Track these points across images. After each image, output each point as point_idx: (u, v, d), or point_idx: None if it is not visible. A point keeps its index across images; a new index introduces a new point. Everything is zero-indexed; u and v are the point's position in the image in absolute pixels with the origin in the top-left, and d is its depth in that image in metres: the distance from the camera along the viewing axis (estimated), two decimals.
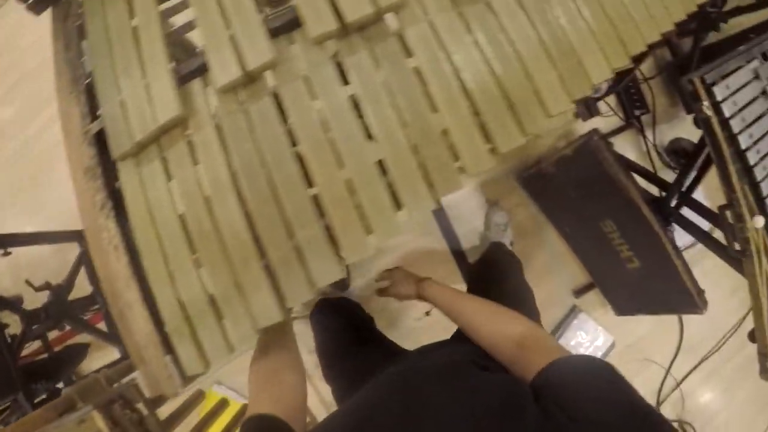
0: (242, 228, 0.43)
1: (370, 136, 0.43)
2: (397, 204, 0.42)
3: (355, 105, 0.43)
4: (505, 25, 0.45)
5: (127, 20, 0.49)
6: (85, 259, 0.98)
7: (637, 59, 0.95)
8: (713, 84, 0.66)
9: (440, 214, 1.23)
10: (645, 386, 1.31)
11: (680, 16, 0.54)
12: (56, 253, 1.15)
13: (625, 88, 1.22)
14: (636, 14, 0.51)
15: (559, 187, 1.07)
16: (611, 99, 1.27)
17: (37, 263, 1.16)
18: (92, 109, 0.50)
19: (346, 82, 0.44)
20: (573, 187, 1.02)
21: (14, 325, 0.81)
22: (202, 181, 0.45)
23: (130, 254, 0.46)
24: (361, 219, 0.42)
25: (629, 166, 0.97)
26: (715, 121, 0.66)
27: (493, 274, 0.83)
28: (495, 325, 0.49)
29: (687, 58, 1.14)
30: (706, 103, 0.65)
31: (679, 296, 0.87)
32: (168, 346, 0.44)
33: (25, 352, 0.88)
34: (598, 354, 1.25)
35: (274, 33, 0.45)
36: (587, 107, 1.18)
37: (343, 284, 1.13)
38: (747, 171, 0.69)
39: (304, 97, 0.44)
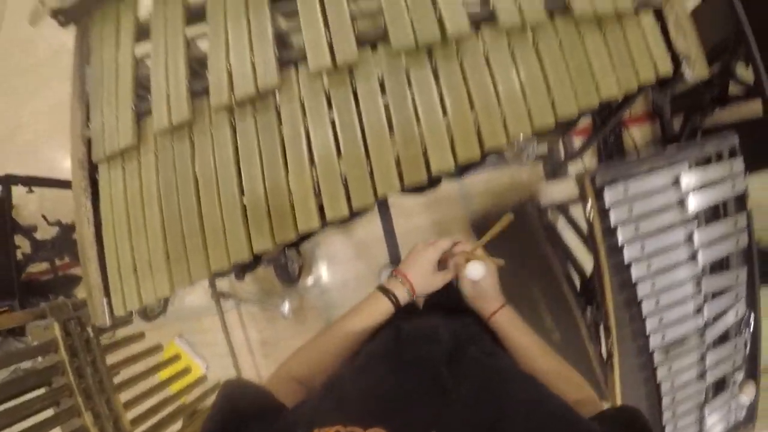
0: (159, 226, 0.66)
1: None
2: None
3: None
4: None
5: (113, 61, 0.71)
6: None
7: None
8: (608, 184, 0.68)
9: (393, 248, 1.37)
10: None
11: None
12: None
13: (608, 152, 1.20)
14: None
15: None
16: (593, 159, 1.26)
17: (58, 201, 1.51)
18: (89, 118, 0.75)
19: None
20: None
21: (26, 248, 1.17)
22: (147, 186, 0.68)
23: (96, 226, 0.72)
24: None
25: (559, 242, 1.01)
26: (598, 227, 0.69)
27: None
28: (555, 383, 0.45)
29: (676, 137, 1.11)
30: (590, 205, 0.68)
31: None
32: (107, 292, 0.70)
33: (35, 269, 1.26)
34: None
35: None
36: (553, 168, 1.20)
37: (290, 276, 1.36)
38: (628, 285, 0.71)
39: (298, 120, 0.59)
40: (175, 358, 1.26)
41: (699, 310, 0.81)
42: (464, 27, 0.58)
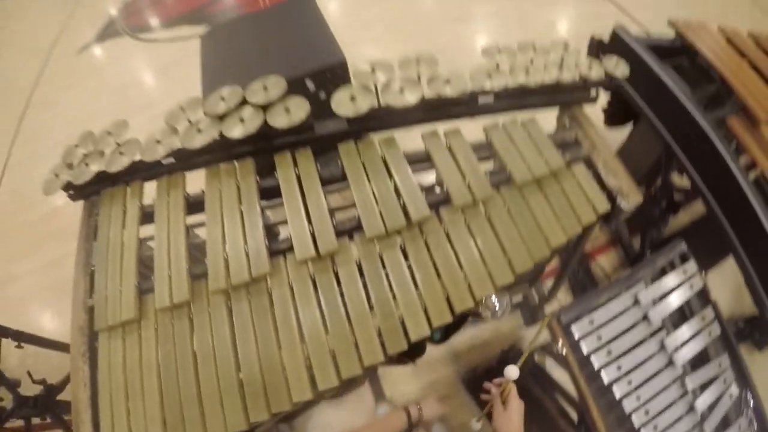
0: (157, 395, 0.71)
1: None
2: None
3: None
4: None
5: (119, 240, 0.80)
6: None
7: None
8: (573, 321, 0.79)
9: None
10: None
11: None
12: (63, 358, 1.46)
13: (581, 286, 1.34)
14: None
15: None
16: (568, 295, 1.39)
17: (40, 360, 1.51)
18: (93, 287, 0.82)
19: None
20: None
21: (6, 403, 1.15)
22: (147, 357, 0.74)
23: (92, 390, 0.76)
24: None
25: (549, 381, 1.08)
26: (572, 359, 0.78)
27: None
28: None
29: (638, 256, 1.27)
30: (560, 342, 0.78)
31: None
32: None
33: (9, 426, 1.22)
34: None
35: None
36: (530, 314, 1.32)
37: None
38: (614, 404, 0.78)
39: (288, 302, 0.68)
40: None
41: (691, 408, 0.86)
42: (424, 212, 0.70)
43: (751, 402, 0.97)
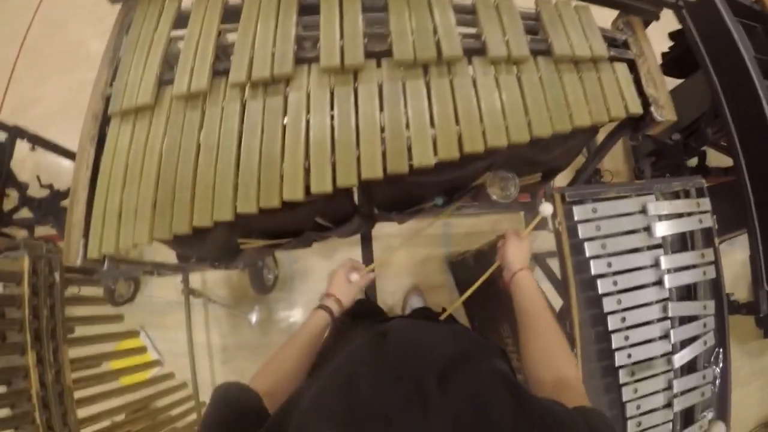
0: (154, 179, 0.72)
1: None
2: None
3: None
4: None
5: (150, 36, 0.81)
6: None
7: None
8: (577, 203, 0.77)
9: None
10: None
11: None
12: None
13: None
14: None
15: (475, 280, 1.20)
16: None
17: (52, 172, 1.56)
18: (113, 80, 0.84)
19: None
20: (485, 283, 1.14)
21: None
22: (152, 143, 0.75)
23: (93, 172, 0.78)
24: None
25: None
26: (565, 239, 0.77)
27: None
28: (551, 350, 0.56)
29: None
30: (558, 218, 0.77)
31: None
32: (86, 234, 0.74)
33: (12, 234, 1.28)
34: None
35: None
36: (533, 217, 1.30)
37: (264, 285, 1.40)
38: (594, 301, 0.77)
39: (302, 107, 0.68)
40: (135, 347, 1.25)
41: (665, 335, 0.85)
42: (457, 51, 0.70)
43: (721, 362, 0.94)
